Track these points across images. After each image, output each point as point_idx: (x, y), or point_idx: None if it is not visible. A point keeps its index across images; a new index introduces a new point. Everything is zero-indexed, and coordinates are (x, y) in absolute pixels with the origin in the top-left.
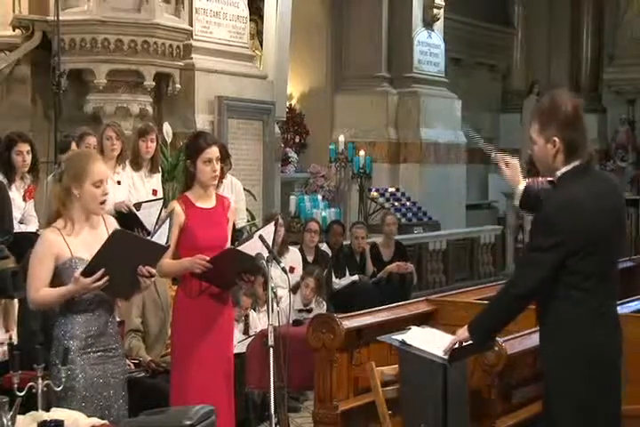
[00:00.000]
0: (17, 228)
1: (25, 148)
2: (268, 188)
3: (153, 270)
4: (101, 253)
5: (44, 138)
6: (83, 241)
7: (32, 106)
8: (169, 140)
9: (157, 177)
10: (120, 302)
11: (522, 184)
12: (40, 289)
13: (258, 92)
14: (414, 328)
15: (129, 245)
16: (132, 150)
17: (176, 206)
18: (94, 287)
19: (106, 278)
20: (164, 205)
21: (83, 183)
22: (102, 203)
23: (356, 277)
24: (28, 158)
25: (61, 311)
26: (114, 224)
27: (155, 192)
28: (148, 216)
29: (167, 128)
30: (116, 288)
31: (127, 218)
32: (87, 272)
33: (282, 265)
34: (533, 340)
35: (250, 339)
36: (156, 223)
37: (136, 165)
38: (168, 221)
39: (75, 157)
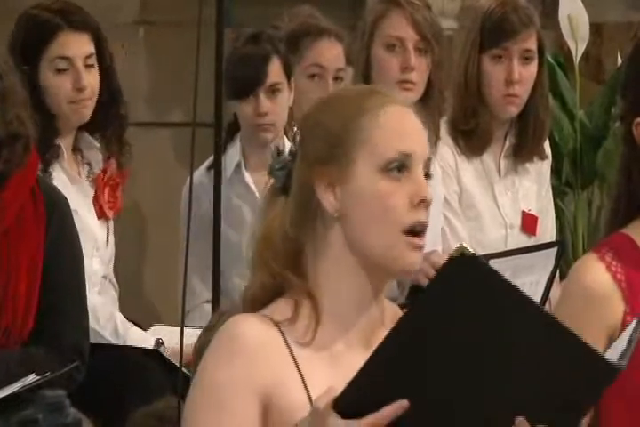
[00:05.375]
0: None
1: (78, 41)
2: None
3: None
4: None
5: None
6: (343, 367)
7: None
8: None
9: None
10: None
11: None
12: None
13: None
14: None
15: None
16: None
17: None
18: None
19: None
20: (559, 263)
21: (355, 158)
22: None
23: None
24: (92, 81)
25: None
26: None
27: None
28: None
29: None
30: None
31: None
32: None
33: None
34: None
35: None
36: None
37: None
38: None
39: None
